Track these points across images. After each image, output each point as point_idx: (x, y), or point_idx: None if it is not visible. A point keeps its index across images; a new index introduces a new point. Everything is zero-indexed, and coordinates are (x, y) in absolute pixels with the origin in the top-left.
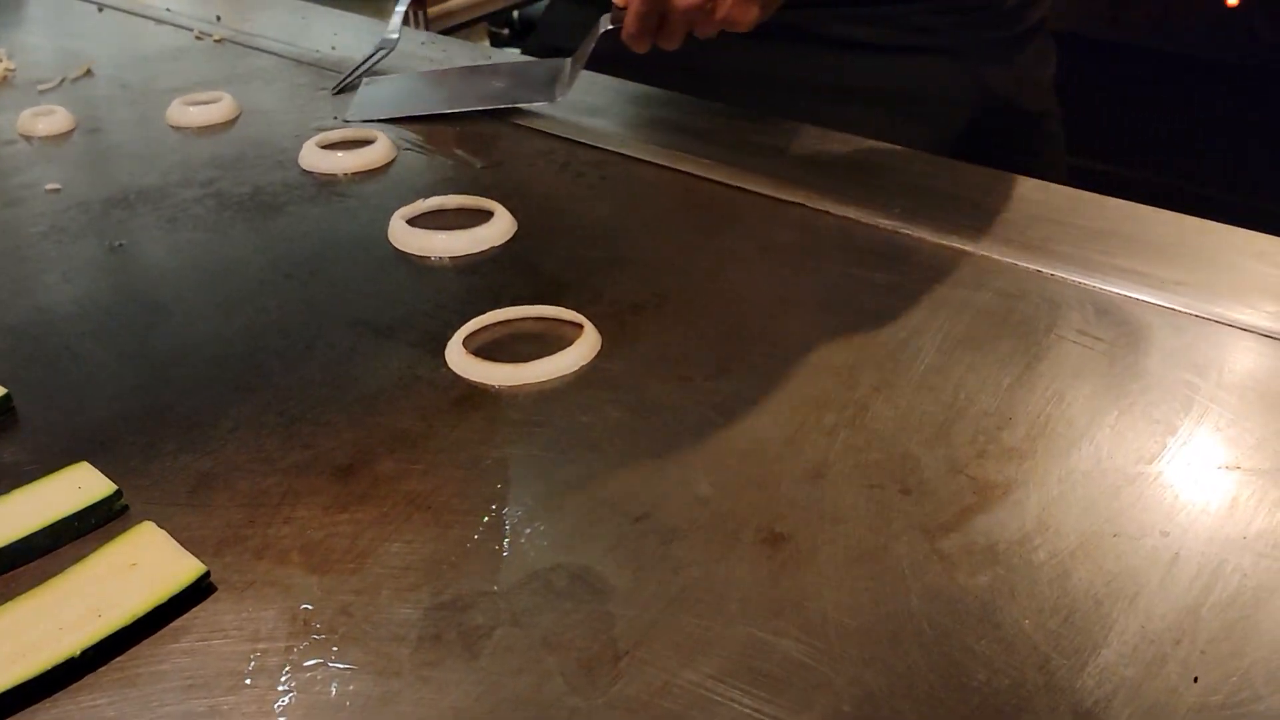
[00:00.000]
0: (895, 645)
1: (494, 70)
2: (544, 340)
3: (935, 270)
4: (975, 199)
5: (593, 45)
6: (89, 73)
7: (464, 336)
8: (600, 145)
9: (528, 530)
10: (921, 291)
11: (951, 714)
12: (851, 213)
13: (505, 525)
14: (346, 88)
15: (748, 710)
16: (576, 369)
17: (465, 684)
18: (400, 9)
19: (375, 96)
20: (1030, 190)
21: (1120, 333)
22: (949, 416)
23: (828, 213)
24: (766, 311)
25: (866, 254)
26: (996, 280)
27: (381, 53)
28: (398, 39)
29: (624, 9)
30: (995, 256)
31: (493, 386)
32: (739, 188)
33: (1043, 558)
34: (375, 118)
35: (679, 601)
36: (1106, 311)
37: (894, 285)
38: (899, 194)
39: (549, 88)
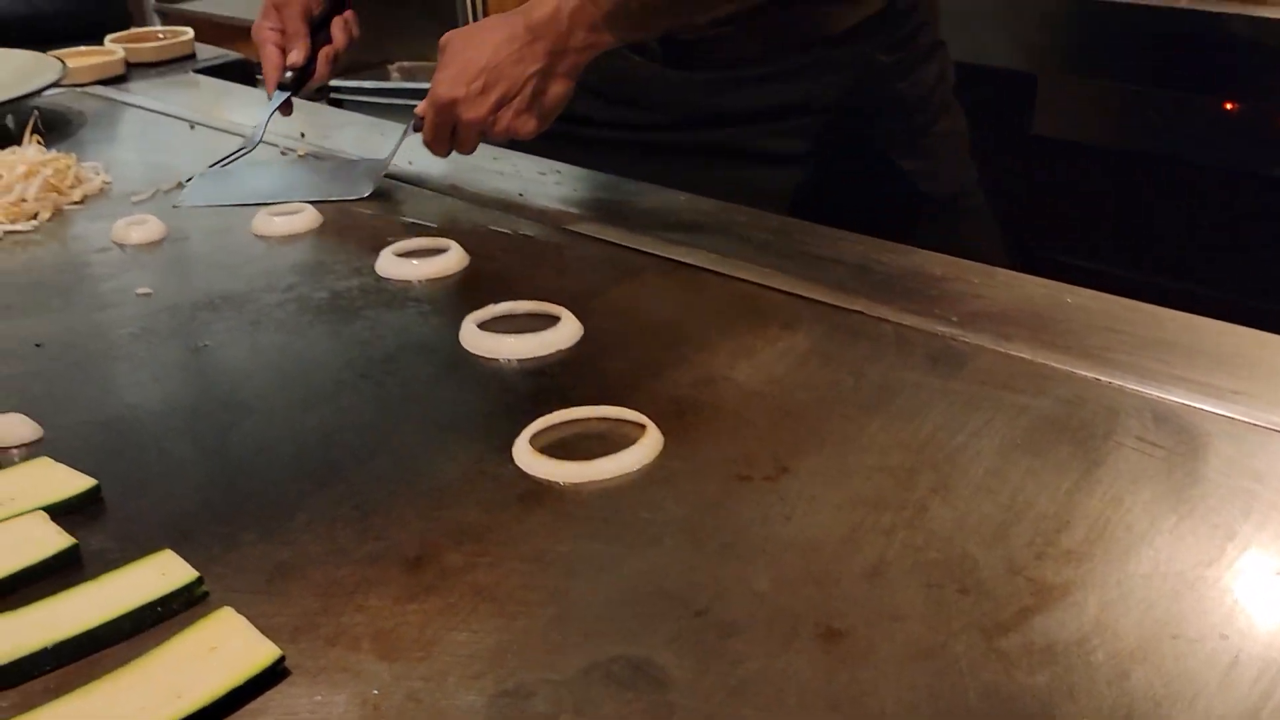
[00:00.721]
0: None
1: (317, 165)
2: (608, 439)
3: (993, 376)
4: (1032, 308)
5: (399, 148)
6: (180, 185)
7: (531, 435)
8: (663, 254)
9: (590, 622)
10: (979, 396)
11: None
12: (909, 320)
13: (568, 617)
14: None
15: None
16: (639, 467)
17: None
18: (265, 115)
19: (206, 185)
20: (1087, 300)
21: (1179, 440)
22: (1007, 519)
23: (885, 320)
24: (824, 413)
25: (924, 359)
26: (1055, 387)
27: (243, 151)
28: (259, 140)
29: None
30: (1053, 364)
31: (558, 483)
32: (797, 295)
33: (1101, 659)
34: (201, 204)
35: (738, 694)
36: (1165, 419)
37: (952, 390)
38: (956, 302)
39: (362, 183)
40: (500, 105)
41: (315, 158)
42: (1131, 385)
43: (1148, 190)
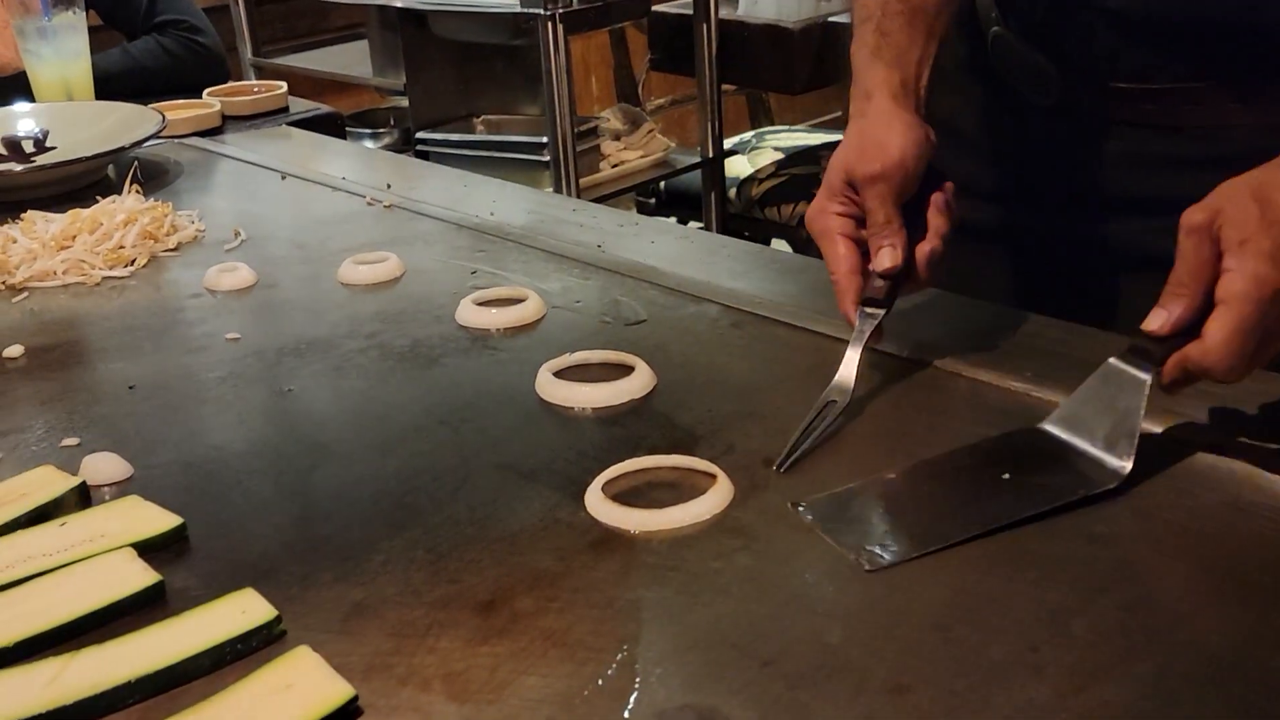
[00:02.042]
0: None
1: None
2: (679, 488)
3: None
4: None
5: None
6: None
7: (603, 482)
8: (737, 305)
9: (658, 670)
10: None
11: None
12: (983, 375)
13: (636, 664)
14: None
15: None
16: (709, 516)
17: None
18: (853, 357)
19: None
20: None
21: None
22: None
23: (959, 374)
24: (895, 467)
25: (998, 414)
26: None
27: (831, 412)
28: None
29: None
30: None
31: (629, 531)
32: (871, 349)
33: None
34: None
35: None
36: None
37: None
38: (1031, 357)
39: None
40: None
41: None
42: None
43: None
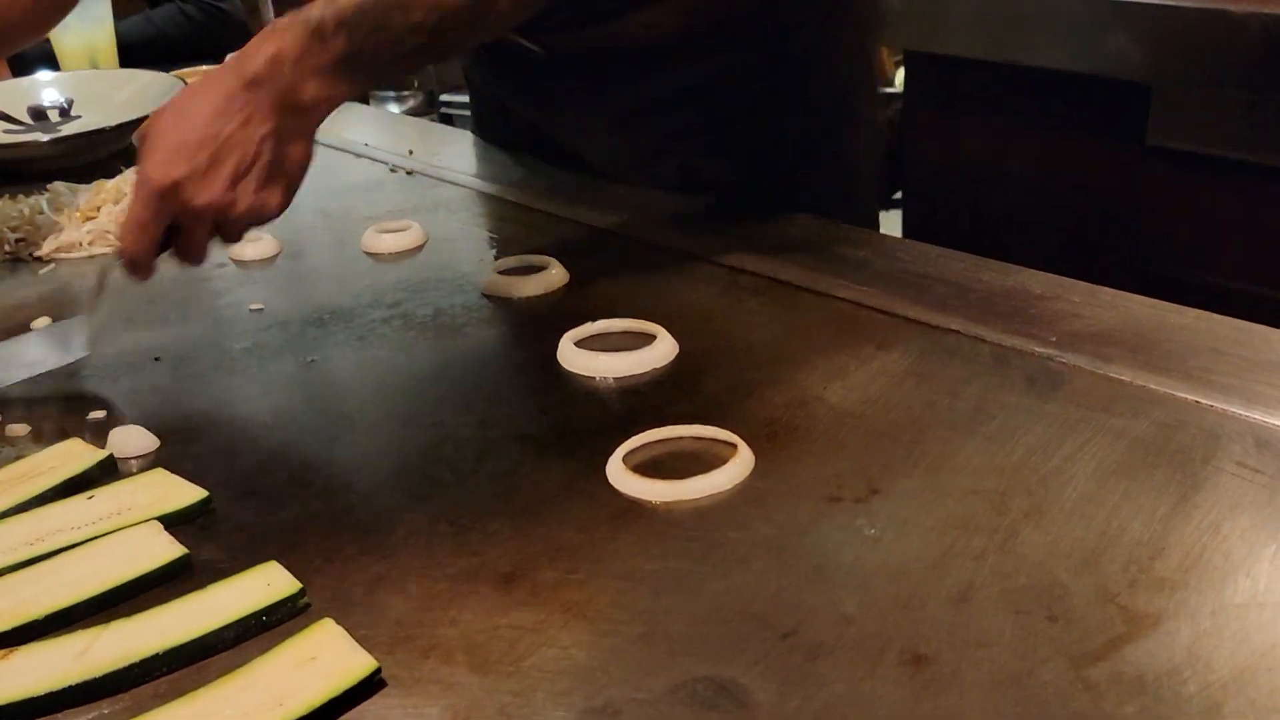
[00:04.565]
0: None
1: (20, 341)
2: (701, 458)
3: (1091, 398)
4: (1134, 328)
5: (102, 291)
6: None
7: (624, 453)
8: (760, 272)
9: (677, 641)
10: (1076, 419)
11: None
12: (1007, 340)
13: (656, 635)
14: None
15: None
16: (730, 486)
17: None
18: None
19: None
20: (1191, 320)
21: None
22: (1100, 545)
23: (983, 339)
24: (918, 435)
25: (1021, 381)
26: (1154, 410)
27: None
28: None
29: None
30: (1153, 386)
31: (650, 502)
32: (894, 314)
33: (1193, 690)
34: None
35: (821, 717)
36: (1268, 444)
37: (1048, 412)
38: (1056, 321)
39: (73, 345)
40: (236, 180)
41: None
42: (1234, 409)
43: (1268, 203)
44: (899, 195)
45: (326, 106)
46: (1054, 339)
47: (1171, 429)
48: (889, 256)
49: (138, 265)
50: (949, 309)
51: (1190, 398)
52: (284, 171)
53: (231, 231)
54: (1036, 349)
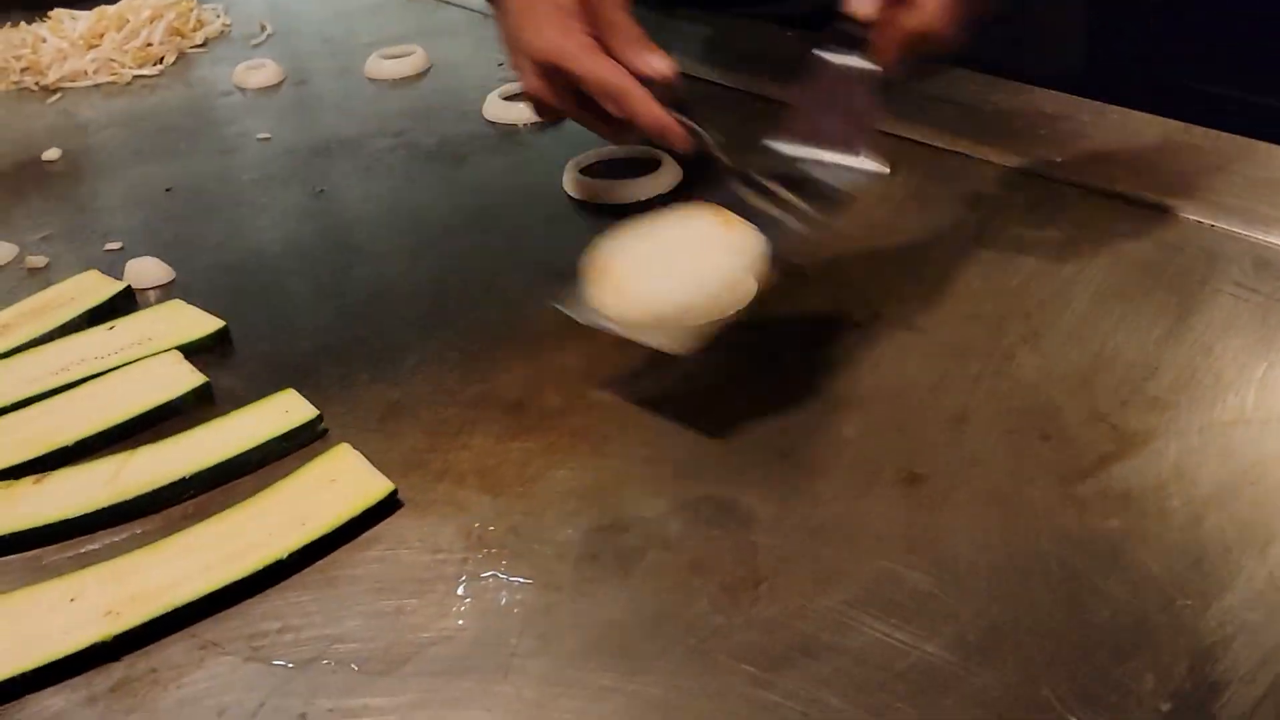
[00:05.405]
0: (1023, 582)
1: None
2: None
3: (1093, 221)
4: (1141, 147)
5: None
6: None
7: None
8: (761, 94)
9: (680, 463)
10: (1077, 241)
11: (1072, 647)
12: (1013, 161)
13: (660, 459)
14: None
15: (878, 634)
16: (731, 313)
17: (619, 599)
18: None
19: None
20: (1199, 139)
21: (1278, 286)
22: (1095, 366)
23: (989, 162)
24: (920, 259)
25: (1025, 204)
26: (1155, 231)
27: None
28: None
29: None
30: (1156, 207)
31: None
32: (899, 136)
33: (1176, 504)
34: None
35: (818, 534)
36: (1267, 264)
37: (1050, 236)
38: (1065, 142)
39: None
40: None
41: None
42: (1236, 229)
43: None
44: None
45: None
46: (1060, 160)
47: (1172, 250)
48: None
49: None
50: (956, 131)
51: (1192, 218)
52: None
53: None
54: (1043, 171)
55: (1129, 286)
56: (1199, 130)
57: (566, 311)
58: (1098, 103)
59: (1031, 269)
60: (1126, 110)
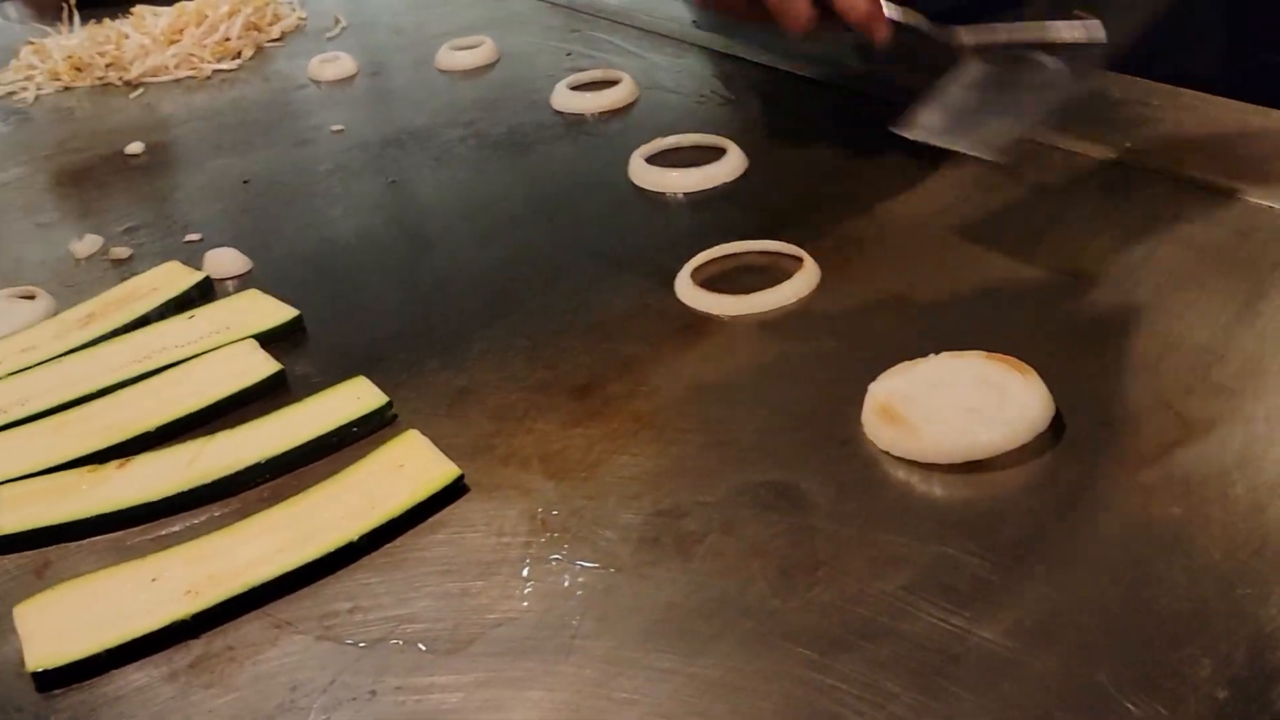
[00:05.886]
0: (1082, 568)
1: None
2: (767, 273)
3: (1163, 205)
4: (1214, 132)
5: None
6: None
7: (692, 269)
8: (829, 82)
9: (741, 449)
10: (1147, 226)
11: (1130, 632)
12: (1079, 146)
13: (721, 444)
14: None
15: (934, 619)
16: (796, 300)
17: (678, 582)
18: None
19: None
20: (1275, 122)
21: None
22: (1161, 352)
23: (1055, 146)
24: (986, 245)
25: (1093, 188)
26: (1227, 215)
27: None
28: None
29: None
30: (1227, 191)
31: (717, 316)
32: None
33: (1240, 492)
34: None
35: (877, 519)
36: None
37: (1118, 220)
38: (1134, 126)
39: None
40: None
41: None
42: None
43: None
44: None
45: None
46: (1129, 144)
47: (1243, 234)
48: None
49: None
50: None
51: (1264, 203)
52: None
53: None
54: (1111, 155)
55: (1199, 270)
56: (1275, 113)
57: (904, 133)
58: (1170, 86)
59: (1099, 254)
60: (1199, 94)
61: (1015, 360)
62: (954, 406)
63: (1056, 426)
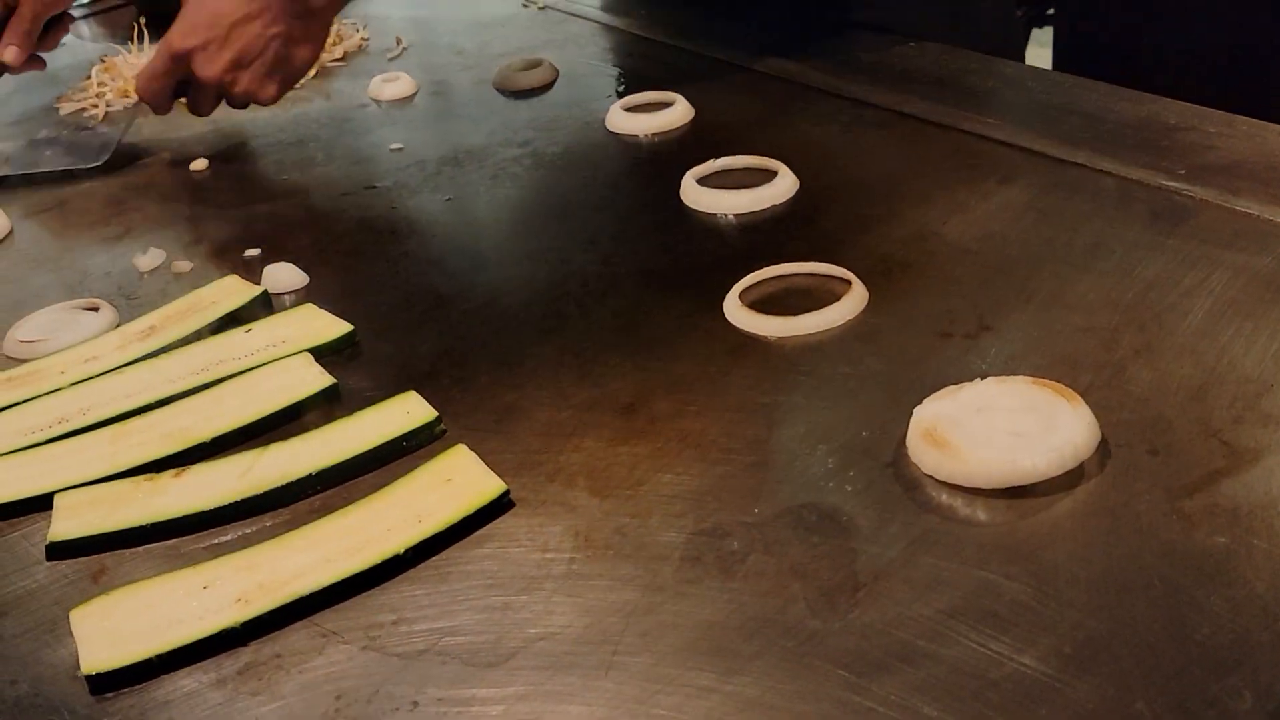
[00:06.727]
0: (1123, 596)
1: (61, 136)
2: (815, 295)
3: (1215, 233)
4: (1268, 160)
5: (133, 121)
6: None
7: (741, 290)
8: (882, 104)
9: (786, 470)
10: (1198, 254)
11: (1169, 662)
12: (1134, 173)
13: (766, 465)
14: None
15: (973, 644)
16: (843, 322)
17: (718, 601)
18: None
19: None
20: None
21: None
22: (1208, 381)
23: (1109, 173)
24: (1034, 271)
25: (1145, 214)
26: (1278, 245)
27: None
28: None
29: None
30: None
31: (764, 337)
32: (1019, 146)
33: None
34: None
35: (919, 543)
36: None
37: (1170, 247)
38: (1187, 154)
39: (96, 153)
40: (237, 66)
41: (60, 125)
42: None
43: None
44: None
45: (332, 10)
46: (1182, 171)
47: None
48: (1019, 87)
49: (155, 106)
50: (1076, 141)
51: None
52: (286, 69)
53: (234, 103)
54: (1163, 182)
55: (1249, 300)
56: None
57: None
58: (1224, 113)
59: (1148, 281)
60: (1255, 121)
61: (1061, 386)
62: (999, 431)
63: (1102, 453)
